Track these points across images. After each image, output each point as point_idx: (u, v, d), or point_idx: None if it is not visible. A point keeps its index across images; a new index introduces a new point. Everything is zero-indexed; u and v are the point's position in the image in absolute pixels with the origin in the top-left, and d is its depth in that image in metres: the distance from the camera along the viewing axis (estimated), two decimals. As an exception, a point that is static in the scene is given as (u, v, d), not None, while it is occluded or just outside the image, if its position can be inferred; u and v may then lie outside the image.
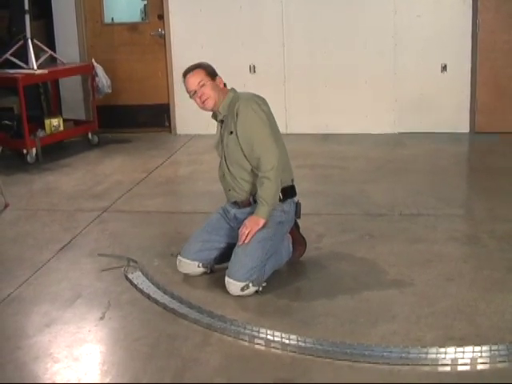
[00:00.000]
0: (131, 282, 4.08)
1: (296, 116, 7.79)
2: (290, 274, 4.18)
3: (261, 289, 3.87)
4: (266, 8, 7.72)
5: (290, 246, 4.19)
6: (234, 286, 3.83)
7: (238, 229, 3.96)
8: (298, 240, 4.29)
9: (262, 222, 3.89)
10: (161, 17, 8.02)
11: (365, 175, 6.20)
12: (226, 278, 3.86)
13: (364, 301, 3.79)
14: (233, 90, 4.08)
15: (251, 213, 3.97)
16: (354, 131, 7.70)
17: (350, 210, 5.27)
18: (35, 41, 7.26)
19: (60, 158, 7.23)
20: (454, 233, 4.73)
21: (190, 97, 4.03)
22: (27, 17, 7.12)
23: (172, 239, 4.70)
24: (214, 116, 4.14)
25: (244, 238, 3.86)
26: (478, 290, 3.86)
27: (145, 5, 8.48)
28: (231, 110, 3.98)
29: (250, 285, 3.82)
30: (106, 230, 5.07)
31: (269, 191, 3.90)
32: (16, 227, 5.19)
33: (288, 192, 4.11)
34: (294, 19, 7.68)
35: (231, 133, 3.99)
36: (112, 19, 8.41)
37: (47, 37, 8.15)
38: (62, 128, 7.49)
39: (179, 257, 4.12)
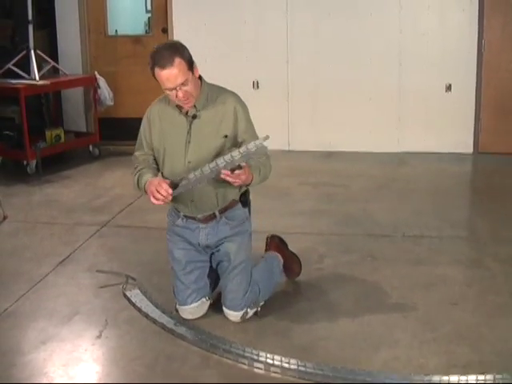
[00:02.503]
0: (129, 300, 4.01)
1: (299, 133, 7.74)
2: (291, 296, 4.10)
3: (259, 309, 3.79)
4: (270, 23, 7.69)
5: (280, 264, 4.07)
6: (233, 316, 3.75)
7: (212, 253, 3.81)
8: (290, 258, 4.20)
9: (250, 179, 3.48)
10: (165, 30, 8.00)
11: (368, 194, 6.14)
12: (224, 309, 3.77)
13: (366, 325, 3.72)
14: (202, 78, 3.59)
15: (219, 231, 3.70)
16: (357, 149, 7.65)
17: (352, 229, 5.21)
18: (38, 51, 7.22)
19: (60, 170, 7.18)
20: (457, 255, 4.67)
21: (164, 89, 3.44)
22: (30, 27, 7.09)
23: None
24: (179, 109, 3.57)
25: (234, 177, 3.36)
26: (481, 316, 3.79)
27: (149, 18, 8.46)
28: (214, 106, 3.56)
29: (248, 310, 3.75)
30: (105, 244, 5.01)
31: (266, 169, 3.60)
32: (14, 240, 5.13)
33: (248, 197, 3.83)
34: (299, 35, 7.65)
35: (225, 136, 3.56)
36: (116, 31, 8.39)
37: (50, 47, 8.11)
38: (63, 140, 7.44)
39: (180, 307, 3.81)
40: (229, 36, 7.67)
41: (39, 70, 7.17)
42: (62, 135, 7.44)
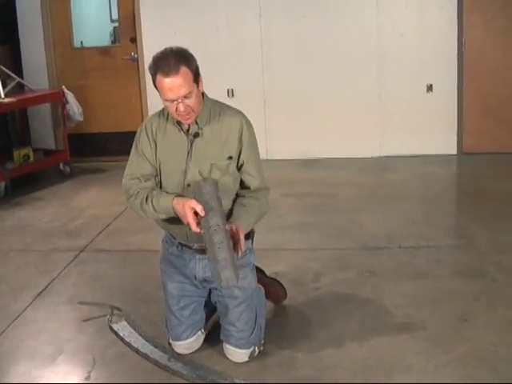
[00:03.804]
0: (117, 334, 3.71)
1: (277, 141, 7.49)
2: (291, 320, 3.84)
3: (262, 348, 3.49)
4: (244, 30, 7.46)
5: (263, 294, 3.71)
6: (240, 354, 3.39)
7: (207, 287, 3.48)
8: (270, 284, 3.89)
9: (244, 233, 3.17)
10: (133, 40, 7.72)
11: (356, 203, 5.90)
12: (230, 348, 3.41)
13: (374, 349, 3.47)
14: (205, 95, 3.27)
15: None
16: (338, 155, 7.43)
17: (345, 243, 4.95)
18: (1, 67, 6.91)
19: (31, 191, 6.84)
20: (458, 266, 4.44)
21: (164, 100, 3.11)
22: (-8, 43, 6.78)
23: (157, 282, 4.23)
24: (179, 125, 3.25)
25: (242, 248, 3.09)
26: (495, 332, 3.55)
27: (114, 27, 8.17)
28: (218, 124, 3.24)
29: (256, 349, 3.44)
30: (85, 272, 4.69)
31: (261, 209, 3.33)
32: (-13, 271, 4.81)
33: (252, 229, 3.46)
34: (274, 41, 7.43)
35: (230, 158, 3.24)
36: (81, 43, 8.07)
37: (14, 62, 7.76)
38: (32, 159, 7.11)
39: (174, 343, 3.50)
40: (201, 44, 7.34)
41: (4, 86, 6.84)
42: (31, 154, 7.12)
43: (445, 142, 7.36)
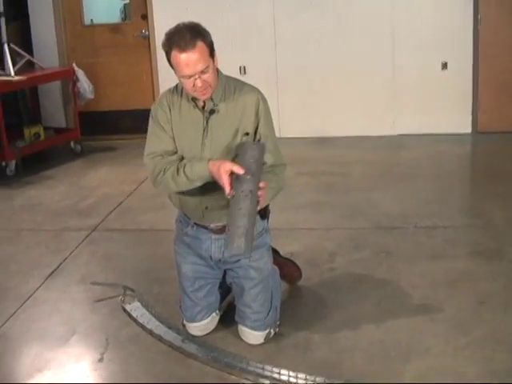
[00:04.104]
0: (130, 315, 3.66)
1: (289, 119, 7.39)
2: (306, 302, 3.78)
3: (277, 329, 3.43)
4: (255, 6, 7.33)
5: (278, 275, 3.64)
6: (256, 336, 3.34)
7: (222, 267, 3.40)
8: (285, 264, 3.83)
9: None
10: (144, 16, 7.62)
11: (370, 182, 5.82)
12: (245, 329, 3.36)
13: (391, 331, 3.41)
14: (219, 71, 3.18)
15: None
16: (351, 134, 7.34)
17: (360, 222, 4.88)
18: (11, 45, 6.83)
19: (42, 170, 6.77)
20: (476, 246, 4.37)
21: (180, 77, 3.03)
22: (2, 20, 6.70)
23: (170, 261, 4.15)
24: (194, 102, 3.16)
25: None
26: (513, 314, 3.49)
27: (125, 4, 8.08)
28: (233, 100, 3.15)
29: (272, 331, 3.38)
30: (97, 252, 4.64)
31: (279, 184, 3.25)
32: (-3, 251, 4.77)
33: (267, 208, 3.40)
34: (286, 16, 7.30)
35: (246, 134, 3.16)
36: (91, 20, 7.97)
37: (24, 40, 7.67)
38: (42, 137, 7.05)
39: (189, 324, 3.45)
40: (213, 21, 7.21)
41: (14, 64, 6.78)
42: (42, 132, 7.05)
43: (459, 121, 7.24)
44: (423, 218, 4.87)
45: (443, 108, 7.24)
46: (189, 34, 2.94)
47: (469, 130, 7.26)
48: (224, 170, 2.91)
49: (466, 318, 3.49)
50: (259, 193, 2.93)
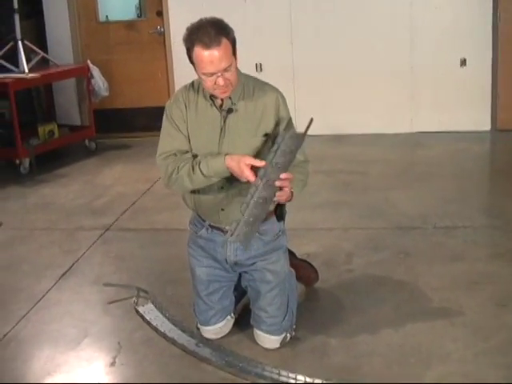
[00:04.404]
0: (143, 318, 3.59)
1: (306, 116, 7.21)
2: (324, 304, 3.69)
3: (293, 333, 3.34)
4: (272, 2, 7.25)
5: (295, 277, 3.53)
6: (271, 341, 3.25)
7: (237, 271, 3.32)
8: (301, 266, 3.75)
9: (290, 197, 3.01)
10: (160, 13, 7.56)
11: (388, 181, 5.72)
12: (261, 334, 3.27)
13: (411, 335, 3.32)
14: (237, 69, 3.05)
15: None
16: (368, 131, 7.24)
17: (378, 222, 4.79)
18: (26, 42, 6.78)
19: (56, 168, 6.73)
20: (496, 248, 4.27)
21: (201, 74, 2.92)
22: (16, 16, 6.63)
23: (185, 262, 4.00)
24: (212, 100, 3.06)
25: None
26: (536, 319, 3.39)
27: (140, 0, 8.00)
28: (252, 99, 3.05)
29: (288, 335, 3.29)
30: (110, 252, 4.58)
31: (305, 180, 3.17)
32: (10, 251, 4.70)
33: (283, 209, 3.31)
34: (303, 12, 7.22)
35: (266, 135, 3.05)
36: (106, 17, 7.91)
37: (38, 37, 7.63)
38: (56, 135, 7.00)
39: (203, 327, 3.37)
40: (229, 17, 7.08)
41: (28, 61, 6.73)
42: (56, 130, 7.00)
43: (478, 118, 7.14)
44: (442, 218, 4.78)
45: (462, 105, 7.15)
46: (213, 30, 2.83)
47: (488, 127, 7.16)
48: (244, 164, 2.83)
49: (487, 322, 3.39)
50: (284, 183, 2.83)
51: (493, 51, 7.00)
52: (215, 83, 2.90)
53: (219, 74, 2.87)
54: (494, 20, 6.92)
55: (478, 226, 4.64)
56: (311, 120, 2.83)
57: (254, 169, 2.85)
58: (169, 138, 3.13)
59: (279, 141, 2.86)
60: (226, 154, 2.96)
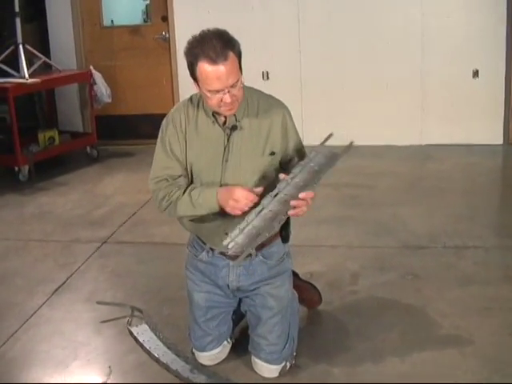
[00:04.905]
0: (136, 340, 3.41)
1: (313, 126, 7.05)
2: (326, 329, 3.51)
3: (293, 361, 3.16)
4: (280, 9, 7.08)
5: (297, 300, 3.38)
6: (270, 370, 3.07)
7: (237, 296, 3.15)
8: (305, 288, 3.58)
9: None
10: (165, 18, 7.40)
11: (396, 196, 5.53)
12: (259, 362, 3.09)
13: (418, 365, 3.14)
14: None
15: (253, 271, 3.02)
16: (376, 143, 7.05)
17: (385, 241, 4.60)
18: (27, 46, 6.62)
19: (55, 176, 6.56)
20: (508, 271, 4.09)
21: (207, 91, 2.71)
22: (18, 20, 6.48)
23: (183, 280, 3.73)
24: (214, 117, 2.87)
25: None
26: (552, 350, 3.21)
27: (147, 5, 7.84)
28: (257, 115, 2.87)
29: (288, 364, 3.11)
30: (106, 266, 4.41)
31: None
32: (4, 262, 4.55)
33: (288, 230, 3.15)
34: (311, 21, 7.04)
35: (272, 153, 2.89)
36: (112, 21, 7.76)
37: (41, 41, 7.49)
38: (57, 142, 6.84)
39: (198, 353, 3.20)
40: (235, 24, 6.93)
41: (30, 66, 6.58)
42: (56, 137, 6.83)
43: (491, 132, 6.95)
44: (452, 237, 4.60)
45: (474, 118, 6.96)
46: (219, 44, 2.61)
47: (500, 141, 6.96)
48: (240, 207, 2.69)
49: (499, 352, 3.21)
50: (300, 204, 2.63)
51: (506, 62, 6.80)
52: (221, 100, 2.70)
53: (226, 91, 2.67)
54: (507, 30, 6.72)
55: (490, 246, 4.45)
56: (330, 135, 2.63)
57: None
58: (161, 163, 2.95)
59: (311, 156, 2.68)
60: (221, 185, 2.82)
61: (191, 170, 2.92)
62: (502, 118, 6.94)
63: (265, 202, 2.67)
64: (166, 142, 2.92)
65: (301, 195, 2.62)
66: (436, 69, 6.93)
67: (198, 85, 2.74)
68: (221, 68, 2.61)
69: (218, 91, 2.67)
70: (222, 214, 2.83)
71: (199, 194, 2.80)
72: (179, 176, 2.91)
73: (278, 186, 2.67)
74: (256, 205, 2.70)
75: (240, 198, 2.69)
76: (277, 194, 2.66)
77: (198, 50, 2.64)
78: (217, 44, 2.61)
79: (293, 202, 2.63)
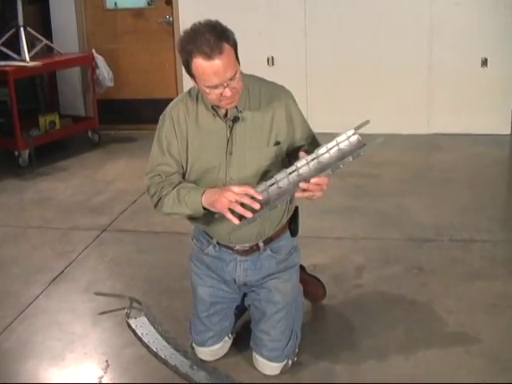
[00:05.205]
0: (134, 333, 3.34)
1: (319, 113, 6.99)
2: (330, 325, 3.43)
3: (295, 359, 3.08)
4: (286, -7, 6.96)
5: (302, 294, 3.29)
6: (272, 368, 2.99)
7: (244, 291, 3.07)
8: (310, 281, 3.50)
9: None
10: (169, 2, 7.27)
11: (402, 186, 5.44)
12: (261, 359, 3.00)
13: (423, 363, 3.05)
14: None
15: (259, 266, 2.95)
16: (383, 131, 6.80)
17: (390, 233, 4.51)
18: (29, 29, 6.52)
19: (56, 160, 6.48)
20: (517, 266, 4.00)
21: (205, 87, 2.58)
22: (19, 2, 6.37)
23: (183, 270, 3.62)
24: (214, 110, 2.75)
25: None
26: (561, 347, 3.12)
27: (154, -13, 7.72)
28: (259, 104, 2.75)
29: (289, 362, 3.03)
30: (105, 255, 4.33)
31: None
32: (1, 250, 4.47)
33: (297, 223, 3.10)
34: (318, 5, 6.90)
35: (277, 143, 2.79)
36: (115, 4, 7.63)
37: (43, 24, 7.36)
38: (58, 126, 6.74)
39: (198, 348, 3.12)
40: (240, 8, 6.90)
41: (31, 48, 6.48)
42: (57, 121, 6.74)
43: (498, 121, 6.82)
44: (459, 230, 4.50)
45: (481, 107, 6.83)
46: (213, 37, 2.48)
47: (508, 131, 6.84)
48: (226, 207, 2.53)
49: (506, 351, 3.12)
50: (311, 188, 2.49)
51: (515, 51, 6.69)
52: (221, 95, 2.59)
53: (225, 85, 2.55)
54: (517, 19, 6.61)
55: (497, 240, 4.35)
56: (367, 121, 2.66)
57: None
58: (156, 159, 2.85)
59: (340, 139, 2.60)
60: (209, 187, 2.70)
61: (192, 167, 2.82)
62: (510, 107, 6.82)
63: (278, 176, 2.56)
64: (163, 137, 2.83)
65: (312, 180, 2.50)
66: (444, 57, 6.80)
67: (196, 81, 2.63)
68: (217, 62, 2.49)
69: (216, 86, 2.56)
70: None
71: (188, 192, 2.71)
72: (173, 173, 2.81)
73: (296, 163, 2.54)
74: (268, 179, 2.59)
75: (231, 189, 2.56)
76: (293, 171, 2.54)
77: (192, 46, 2.51)
78: (210, 37, 2.48)
79: (303, 185, 2.50)
